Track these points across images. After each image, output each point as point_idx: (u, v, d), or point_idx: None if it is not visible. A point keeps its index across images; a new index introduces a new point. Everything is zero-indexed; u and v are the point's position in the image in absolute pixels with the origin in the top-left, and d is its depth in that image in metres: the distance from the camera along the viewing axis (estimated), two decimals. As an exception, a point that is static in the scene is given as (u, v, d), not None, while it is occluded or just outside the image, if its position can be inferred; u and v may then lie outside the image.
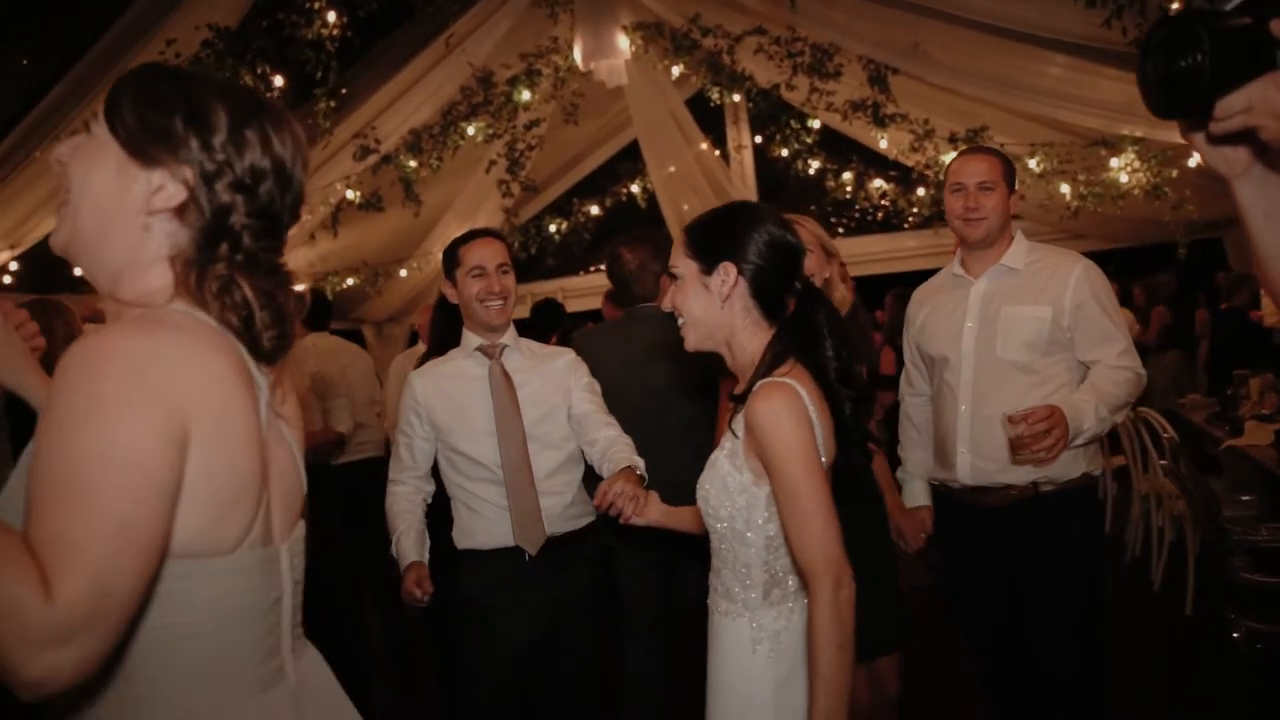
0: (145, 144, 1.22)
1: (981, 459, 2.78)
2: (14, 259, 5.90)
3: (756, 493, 1.80)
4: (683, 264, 1.89)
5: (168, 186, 1.22)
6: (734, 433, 1.84)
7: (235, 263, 1.25)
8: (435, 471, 2.90)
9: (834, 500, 1.75)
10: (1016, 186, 2.92)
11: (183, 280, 1.23)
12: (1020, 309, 2.76)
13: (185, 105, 1.22)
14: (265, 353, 1.27)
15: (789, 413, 1.71)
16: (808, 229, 2.87)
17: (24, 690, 0.99)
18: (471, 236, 2.87)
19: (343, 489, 4.53)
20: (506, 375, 2.78)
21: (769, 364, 1.82)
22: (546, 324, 6.01)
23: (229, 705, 1.22)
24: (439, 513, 2.90)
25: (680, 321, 1.92)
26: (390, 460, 2.93)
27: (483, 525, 2.74)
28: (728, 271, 1.82)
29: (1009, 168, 2.89)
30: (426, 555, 2.74)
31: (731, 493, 1.83)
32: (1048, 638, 2.75)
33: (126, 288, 1.26)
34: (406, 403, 2.84)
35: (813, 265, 2.85)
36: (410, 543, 2.73)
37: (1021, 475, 2.73)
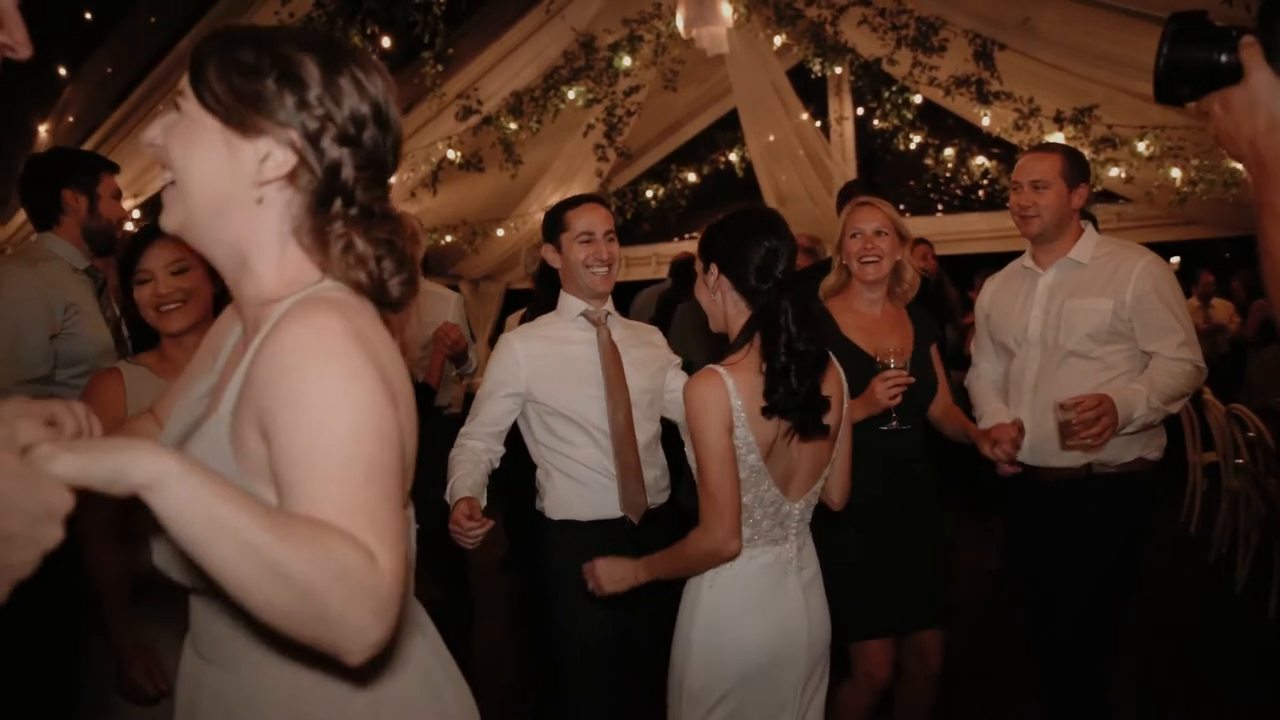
0: (243, 113, 1.17)
1: (1040, 440, 2.92)
2: (137, 206, 6.24)
3: None
4: (698, 265, 2.30)
5: (275, 153, 1.18)
6: None
7: (351, 218, 1.22)
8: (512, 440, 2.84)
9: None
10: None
11: (315, 252, 1.22)
12: (1083, 301, 2.87)
13: (273, 65, 1.17)
14: (394, 301, 1.25)
15: (702, 400, 2.08)
16: (882, 211, 2.95)
17: (359, 655, 1.00)
18: (579, 201, 2.83)
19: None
20: (613, 342, 2.76)
21: (731, 347, 2.18)
22: (683, 283, 5.99)
23: (414, 644, 1.33)
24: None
25: None
26: (468, 417, 2.83)
27: (583, 494, 2.72)
28: (714, 270, 2.22)
29: (1072, 165, 2.94)
30: (482, 499, 2.59)
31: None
32: (1063, 605, 2.91)
33: (268, 277, 1.23)
34: (502, 361, 2.76)
35: (886, 247, 2.92)
36: (465, 486, 2.58)
37: (1076, 457, 2.87)
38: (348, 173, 1.20)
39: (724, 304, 2.22)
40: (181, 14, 5.50)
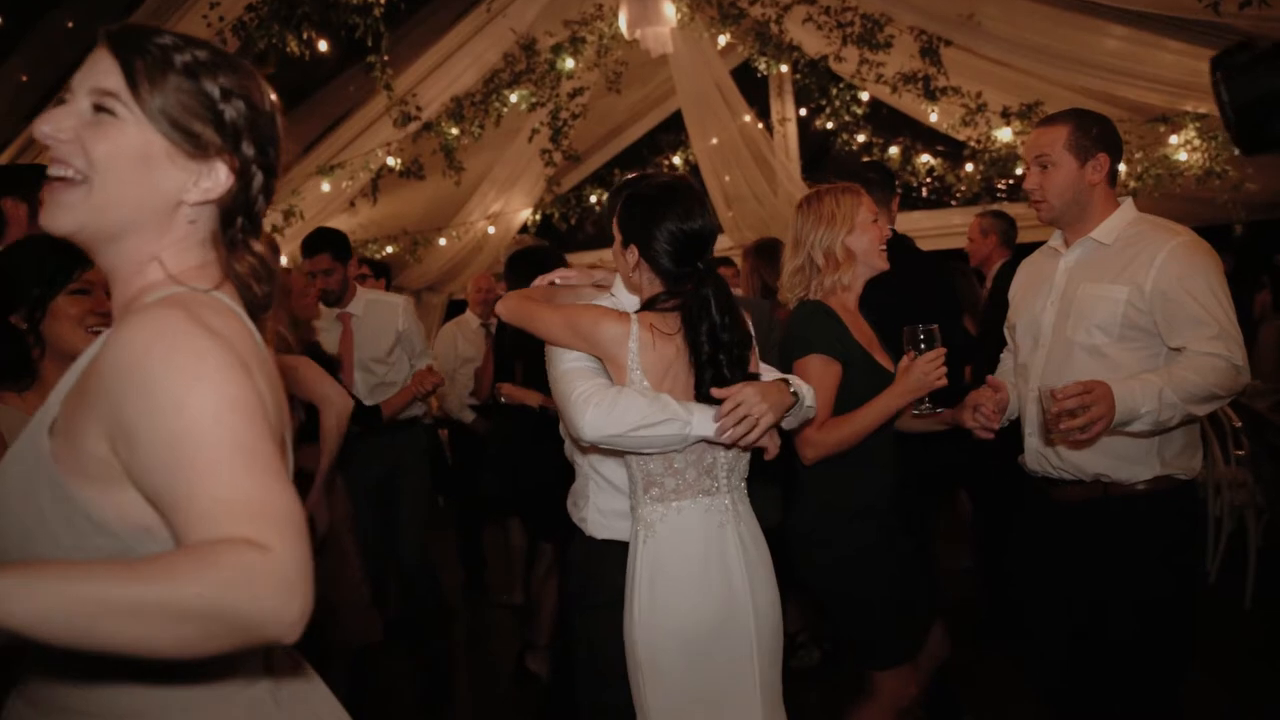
0: (198, 137, 1.15)
1: (1045, 446, 2.59)
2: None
3: None
4: (615, 233, 2.21)
5: (213, 174, 1.18)
6: None
7: (247, 231, 1.25)
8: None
9: None
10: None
11: (223, 262, 1.23)
12: (1098, 287, 2.49)
13: (226, 92, 1.17)
14: (263, 305, 1.28)
15: (595, 322, 2.09)
16: (866, 200, 2.73)
17: (291, 635, 0.96)
18: None
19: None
20: None
21: (652, 306, 2.12)
22: None
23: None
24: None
25: None
26: (582, 397, 2.04)
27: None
28: (633, 250, 2.15)
29: (1084, 134, 2.54)
30: None
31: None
32: (1113, 666, 2.56)
33: (159, 270, 1.19)
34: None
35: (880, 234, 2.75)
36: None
37: (1083, 468, 2.51)
38: (260, 194, 1.24)
39: (640, 279, 2.19)
40: (101, 19, 5.19)
